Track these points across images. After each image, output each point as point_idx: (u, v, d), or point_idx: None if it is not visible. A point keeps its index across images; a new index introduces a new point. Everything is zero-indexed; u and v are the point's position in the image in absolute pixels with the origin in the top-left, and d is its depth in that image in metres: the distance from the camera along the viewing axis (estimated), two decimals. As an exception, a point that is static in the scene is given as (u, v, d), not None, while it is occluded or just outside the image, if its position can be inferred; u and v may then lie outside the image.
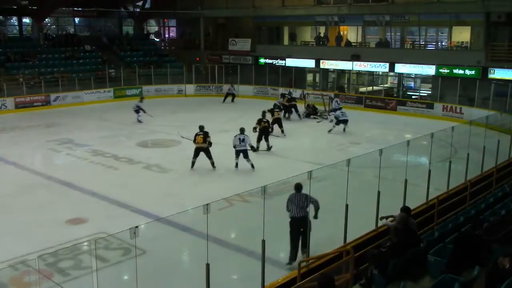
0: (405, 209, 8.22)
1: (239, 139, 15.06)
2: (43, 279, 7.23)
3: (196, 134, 15.22)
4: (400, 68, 26.89)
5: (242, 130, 15.33)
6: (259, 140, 17.44)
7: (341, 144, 19.13)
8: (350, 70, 29.55)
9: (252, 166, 15.12)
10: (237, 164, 15.24)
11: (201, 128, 15.48)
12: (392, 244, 7.08)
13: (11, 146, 18.51)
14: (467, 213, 9.01)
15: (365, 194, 10.15)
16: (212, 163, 15.15)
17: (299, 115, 24.06)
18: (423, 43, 27.83)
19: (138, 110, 22.88)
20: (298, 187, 8.83)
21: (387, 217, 8.58)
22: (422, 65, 25.84)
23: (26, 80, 27.57)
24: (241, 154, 15.08)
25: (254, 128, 17.73)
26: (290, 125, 22.87)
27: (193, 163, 15.21)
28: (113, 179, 14.50)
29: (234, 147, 15.14)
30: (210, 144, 15.13)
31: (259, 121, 17.78)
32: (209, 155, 15.12)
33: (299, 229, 8.73)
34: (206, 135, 15.20)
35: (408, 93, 28.46)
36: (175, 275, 9.03)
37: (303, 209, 8.70)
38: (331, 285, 5.17)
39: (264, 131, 17.60)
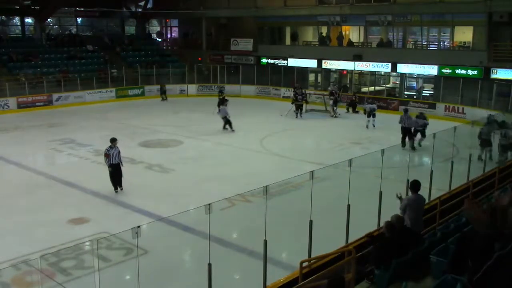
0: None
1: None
2: (45, 279, 7.25)
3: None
4: (402, 68, 26.87)
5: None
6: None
7: (343, 144, 19.12)
8: (352, 70, 29.54)
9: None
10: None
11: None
12: (385, 239, 7.02)
13: (13, 146, 18.53)
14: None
15: (367, 194, 10.13)
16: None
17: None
18: (425, 43, 27.77)
19: None
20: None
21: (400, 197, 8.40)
22: (424, 65, 25.80)
23: (28, 80, 27.60)
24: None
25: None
26: (291, 125, 22.90)
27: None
28: (115, 179, 14.48)
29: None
30: None
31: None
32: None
33: None
34: None
35: (405, 92, 28.37)
36: (177, 275, 9.04)
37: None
38: (341, 286, 5.13)
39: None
